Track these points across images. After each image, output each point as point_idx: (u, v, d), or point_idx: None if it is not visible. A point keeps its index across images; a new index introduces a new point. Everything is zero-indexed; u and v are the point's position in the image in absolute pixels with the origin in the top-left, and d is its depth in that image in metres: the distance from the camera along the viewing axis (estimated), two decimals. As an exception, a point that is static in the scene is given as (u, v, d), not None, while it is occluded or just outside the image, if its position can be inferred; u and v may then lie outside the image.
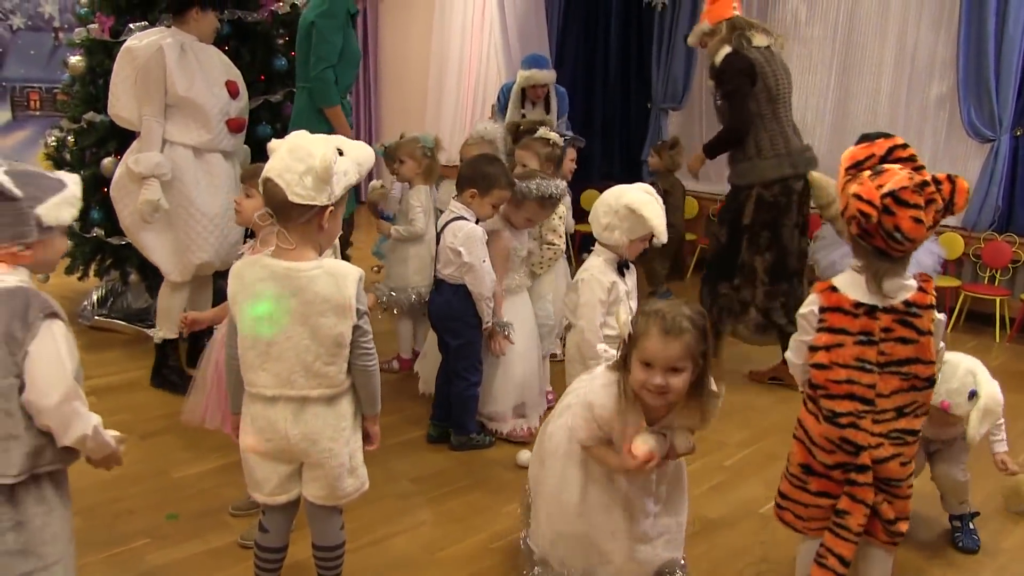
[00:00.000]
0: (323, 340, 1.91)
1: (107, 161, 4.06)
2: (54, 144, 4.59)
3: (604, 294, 2.77)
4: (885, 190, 1.87)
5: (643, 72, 7.37)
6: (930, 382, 2.03)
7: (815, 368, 2.05)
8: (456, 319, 3.25)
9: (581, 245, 6.79)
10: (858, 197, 1.90)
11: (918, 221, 1.88)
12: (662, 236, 2.74)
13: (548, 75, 5.32)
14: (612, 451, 2.10)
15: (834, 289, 2.03)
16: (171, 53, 3.41)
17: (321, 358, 1.92)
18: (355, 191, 4.98)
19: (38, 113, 7.13)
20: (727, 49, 3.97)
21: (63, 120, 4.55)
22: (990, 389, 2.51)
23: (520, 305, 3.50)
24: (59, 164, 4.42)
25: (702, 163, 4.34)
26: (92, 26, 4.22)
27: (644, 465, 2.02)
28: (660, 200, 2.78)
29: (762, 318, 4.11)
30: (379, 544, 2.64)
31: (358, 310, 1.92)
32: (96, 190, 4.09)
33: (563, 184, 3.33)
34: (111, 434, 1.78)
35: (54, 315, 1.67)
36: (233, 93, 3.63)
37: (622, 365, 2.02)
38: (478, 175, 3.21)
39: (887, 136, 2.02)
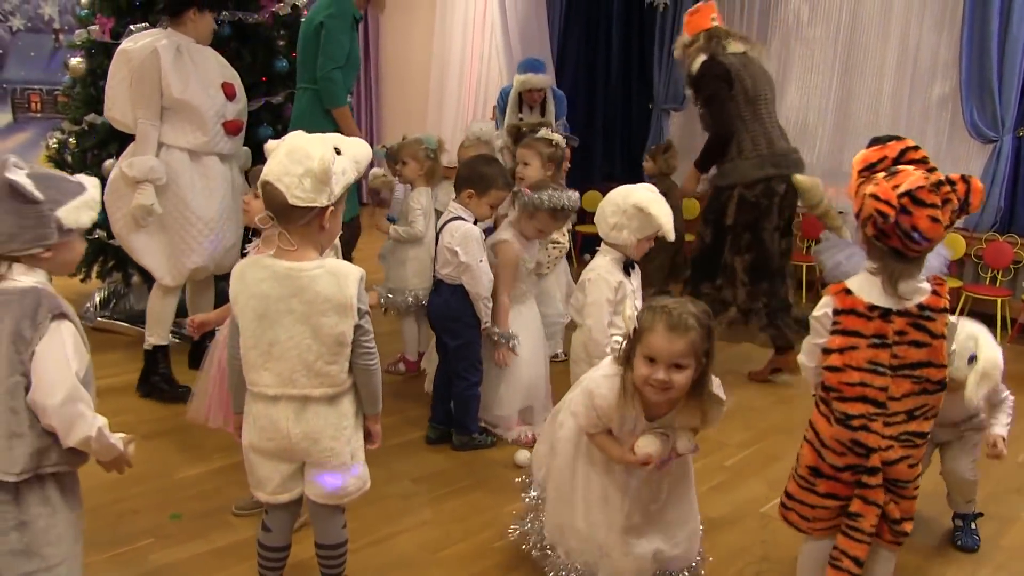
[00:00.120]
0: (325, 339, 1.92)
1: (108, 163, 4.05)
2: (55, 146, 4.59)
3: (611, 293, 2.78)
4: (902, 190, 1.88)
5: (644, 73, 7.38)
6: (941, 385, 2.03)
7: (828, 371, 2.05)
8: (454, 319, 3.26)
9: (583, 245, 6.80)
10: (875, 197, 1.90)
11: (935, 220, 1.88)
12: (670, 234, 2.76)
13: (544, 79, 5.33)
14: (614, 441, 2.12)
15: (848, 292, 2.02)
16: (166, 55, 3.37)
17: (323, 357, 1.93)
18: (357, 194, 5.01)
19: (39, 115, 7.14)
20: (703, 57, 4.06)
21: (64, 122, 4.55)
22: (989, 353, 2.45)
23: (525, 311, 3.49)
24: (60, 166, 4.41)
25: (697, 180, 4.38)
26: (92, 28, 4.22)
27: (641, 465, 2.05)
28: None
29: (741, 317, 4.14)
30: (381, 543, 2.65)
31: (359, 309, 1.93)
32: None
33: (575, 195, 3.29)
34: (119, 436, 1.79)
35: (63, 316, 1.68)
36: (229, 95, 3.58)
37: (626, 360, 2.03)
38: (475, 176, 3.22)
39: (898, 139, 2.03)
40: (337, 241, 2.51)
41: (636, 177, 6.63)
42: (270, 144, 1.96)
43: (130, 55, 3.40)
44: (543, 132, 3.98)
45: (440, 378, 3.41)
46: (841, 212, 4.17)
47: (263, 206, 1.94)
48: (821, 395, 2.10)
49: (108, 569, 2.44)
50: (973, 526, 2.81)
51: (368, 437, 2.11)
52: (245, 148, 3.81)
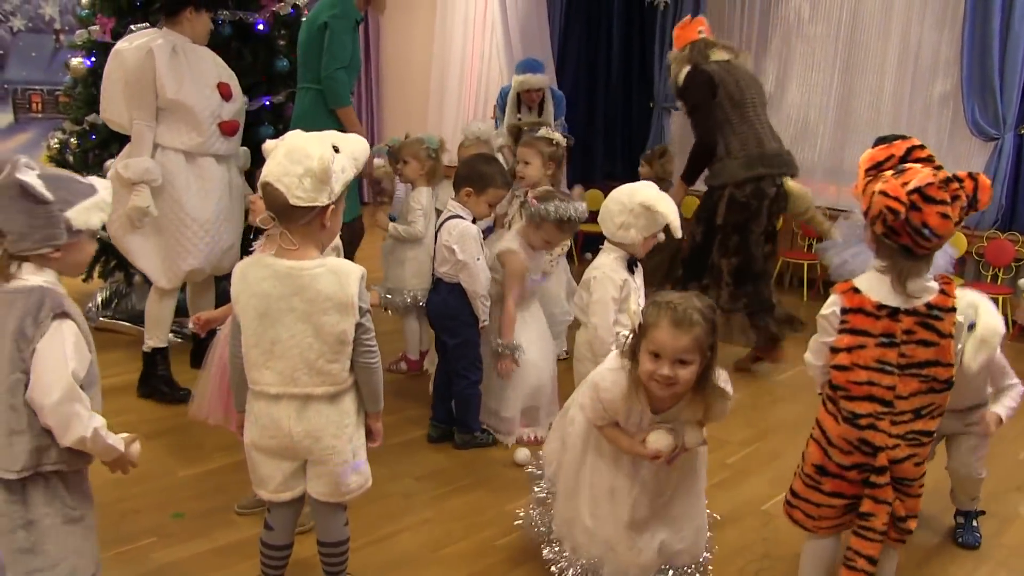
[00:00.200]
0: (326, 338, 1.92)
1: (109, 163, 4.06)
2: (56, 146, 4.60)
3: (616, 291, 2.79)
4: (911, 187, 1.88)
5: (645, 72, 7.37)
6: (948, 384, 2.03)
7: (836, 369, 2.05)
8: (452, 317, 3.26)
9: (584, 244, 6.81)
10: (885, 194, 1.90)
11: (945, 217, 1.88)
12: (677, 231, 2.78)
13: (542, 79, 5.33)
14: (623, 432, 2.13)
15: (856, 291, 2.02)
16: (161, 55, 3.32)
17: (324, 356, 1.94)
18: (359, 193, 5.01)
19: (40, 115, 7.14)
20: (687, 68, 4.15)
21: (65, 122, 4.55)
22: (988, 319, 2.39)
23: (529, 318, 3.47)
24: (61, 167, 4.42)
25: (684, 192, 4.42)
26: (93, 28, 4.22)
27: (651, 459, 2.08)
28: None
29: (723, 317, 4.16)
30: (383, 542, 2.65)
31: (360, 308, 1.94)
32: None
33: (582, 207, 3.27)
34: (121, 436, 1.80)
35: (65, 315, 1.69)
36: (225, 95, 3.52)
37: (631, 354, 2.04)
38: (474, 174, 3.23)
39: (904, 138, 2.03)
40: (339, 242, 2.52)
41: (637, 176, 6.63)
42: (268, 144, 1.96)
43: (124, 56, 3.36)
44: (543, 131, 3.98)
45: (440, 377, 3.42)
46: (845, 211, 4.18)
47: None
48: (828, 394, 2.10)
49: (111, 568, 2.43)
50: (975, 523, 2.80)
51: (369, 435, 2.12)
52: (244, 148, 3.77)
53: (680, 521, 2.22)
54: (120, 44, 3.43)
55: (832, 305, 2.06)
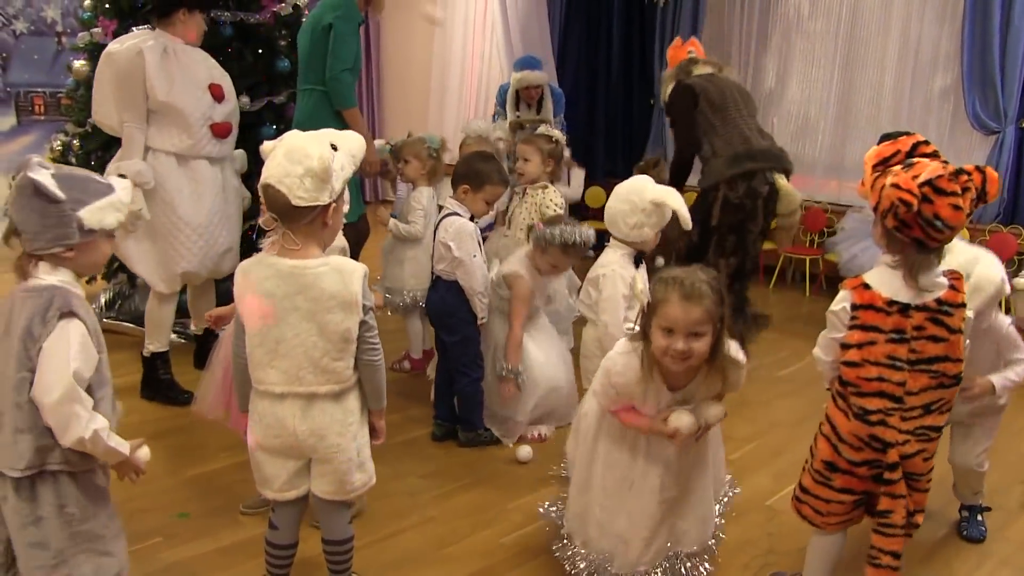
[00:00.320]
0: (330, 336, 1.93)
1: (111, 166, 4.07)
2: (59, 149, 4.60)
3: (626, 288, 2.80)
4: (922, 179, 1.88)
5: (645, 70, 7.37)
6: (957, 380, 2.04)
7: (846, 366, 2.05)
8: (451, 315, 3.26)
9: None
10: (896, 187, 1.90)
11: (957, 208, 1.88)
12: (687, 223, 2.80)
13: (541, 76, 5.33)
14: (640, 414, 2.13)
15: (867, 286, 2.02)
16: (151, 57, 3.28)
17: (329, 354, 1.94)
18: (361, 192, 5.00)
19: (43, 118, 7.15)
20: (672, 84, 4.27)
21: (68, 124, 4.55)
22: (986, 269, 2.34)
23: (536, 333, 3.46)
24: (64, 168, 4.43)
25: None
26: (95, 30, 4.23)
27: (669, 437, 2.08)
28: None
29: None
30: (387, 540, 2.66)
31: (364, 306, 1.94)
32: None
33: (589, 231, 3.26)
34: (129, 442, 1.80)
35: (72, 315, 1.70)
36: (217, 96, 3.47)
37: (642, 335, 2.04)
38: (471, 172, 3.23)
39: (908, 134, 2.04)
40: (346, 242, 2.53)
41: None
42: (266, 146, 1.97)
43: (114, 58, 3.32)
44: (542, 128, 3.98)
45: (441, 375, 3.42)
46: (850, 206, 4.17)
47: None
48: (838, 390, 2.10)
49: (117, 568, 2.45)
50: (980, 517, 2.80)
51: (372, 433, 2.12)
52: (240, 151, 3.72)
53: (688, 507, 2.23)
54: (111, 46, 3.39)
55: (842, 301, 2.06)
